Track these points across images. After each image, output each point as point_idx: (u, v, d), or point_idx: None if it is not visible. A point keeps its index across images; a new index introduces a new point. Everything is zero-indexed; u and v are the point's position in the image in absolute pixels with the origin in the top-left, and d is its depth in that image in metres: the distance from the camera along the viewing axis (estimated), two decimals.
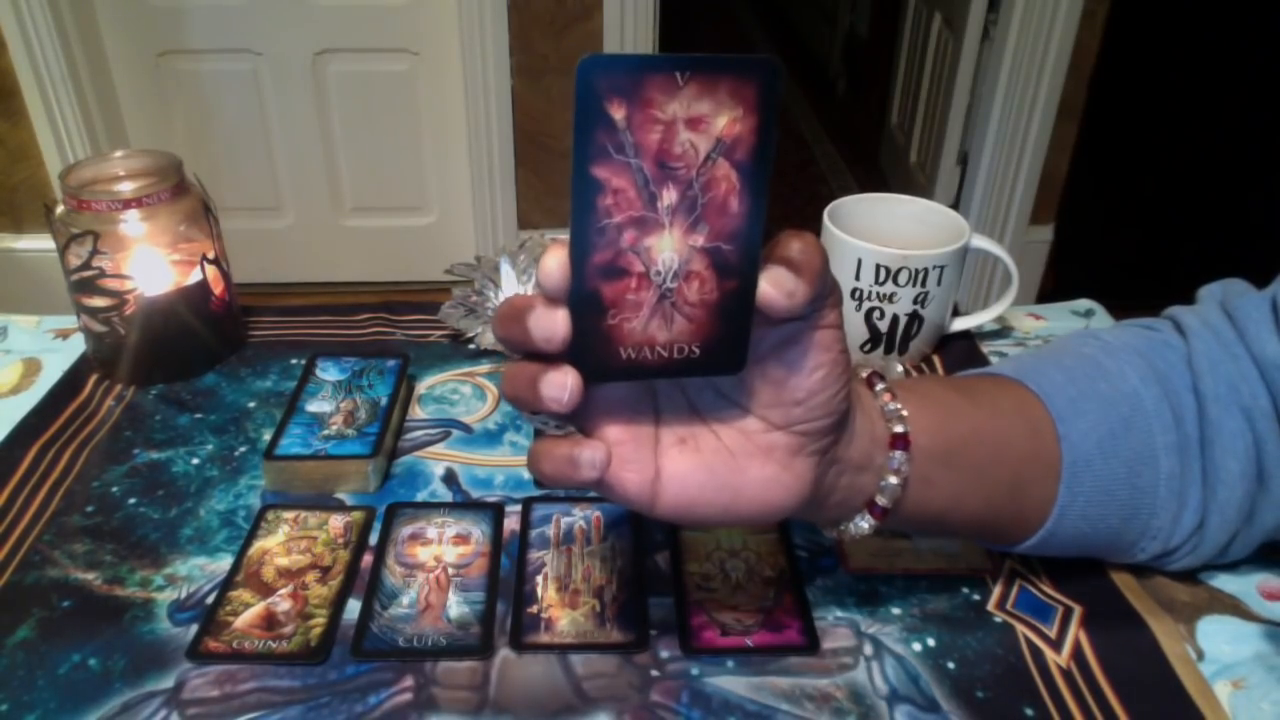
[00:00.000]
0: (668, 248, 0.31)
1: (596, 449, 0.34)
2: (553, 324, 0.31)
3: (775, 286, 0.32)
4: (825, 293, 0.34)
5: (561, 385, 0.32)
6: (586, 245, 0.30)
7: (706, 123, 0.30)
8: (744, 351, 0.34)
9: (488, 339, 0.67)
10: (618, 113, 0.29)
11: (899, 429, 0.39)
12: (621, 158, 0.29)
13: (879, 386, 0.41)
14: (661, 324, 0.32)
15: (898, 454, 0.39)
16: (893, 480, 0.39)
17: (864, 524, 0.40)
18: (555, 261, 0.31)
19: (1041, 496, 0.43)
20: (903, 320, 0.65)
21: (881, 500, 0.39)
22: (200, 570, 0.49)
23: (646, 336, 0.32)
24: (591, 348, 0.32)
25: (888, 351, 0.66)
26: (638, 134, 0.29)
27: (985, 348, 0.69)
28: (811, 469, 0.36)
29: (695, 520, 0.37)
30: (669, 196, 0.30)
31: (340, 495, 0.54)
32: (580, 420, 0.36)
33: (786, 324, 0.34)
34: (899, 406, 0.40)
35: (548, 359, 0.33)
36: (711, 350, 0.33)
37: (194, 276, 0.63)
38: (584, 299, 0.31)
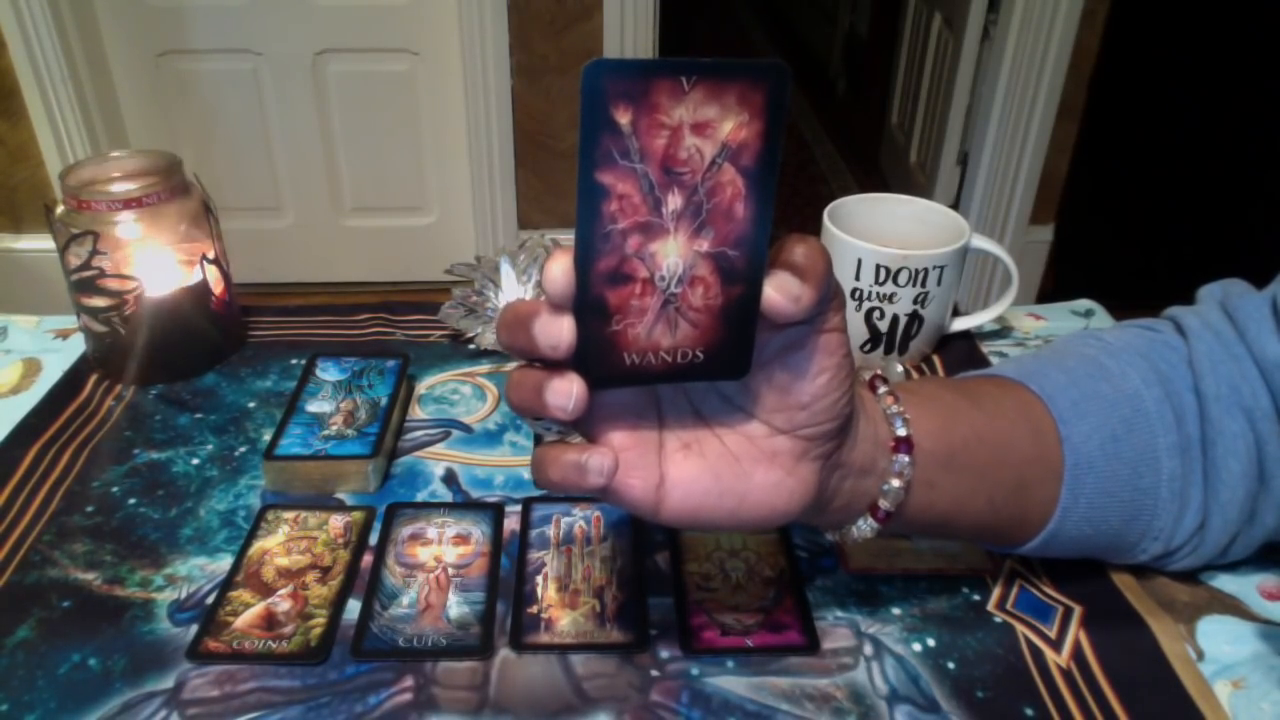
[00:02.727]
0: (672, 253, 0.31)
1: (604, 456, 0.34)
2: (558, 331, 0.31)
3: (780, 292, 0.32)
4: (829, 297, 0.34)
5: (566, 393, 0.32)
6: (591, 251, 0.30)
7: (713, 128, 0.29)
8: (748, 356, 0.33)
9: (488, 339, 0.67)
10: (623, 118, 0.29)
11: (902, 432, 0.39)
12: (627, 163, 0.29)
13: (881, 389, 0.41)
14: (666, 329, 0.32)
15: (901, 457, 0.39)
16: (895, 484, 0.39)
17: (867, 528, 0.40)
18: (560, 268, 0.31)
19: (1044, 498, 0.43)
20: (903, 320, 0.65)
21: (884, 504, 0.39)
22: (200, 570, 0.49)
23: (651, 342, 0.32)
24: (595, 353, 0.32)
25: (888, 352, 0.66)
26: (643, 139, 0.29)
27: (985, 348, 0.69)
28: (816, 474, 0.36)
29: (700, 525, 0.37)
30: (674, 202, 0.30)
31: (340, 495, 0.54)
32: (584, 426, 0.36)
33: (790, 328, 0.34)
34: (901, 409, 0.40)
35: (551, 365, 0.33)
36: (716, 355, 0.33)
37: (194, 276, 0.63)
38: (588, 305, 0.31)
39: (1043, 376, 0.45)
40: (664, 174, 0.30)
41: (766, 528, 0.37)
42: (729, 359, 0.33)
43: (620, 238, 0.30)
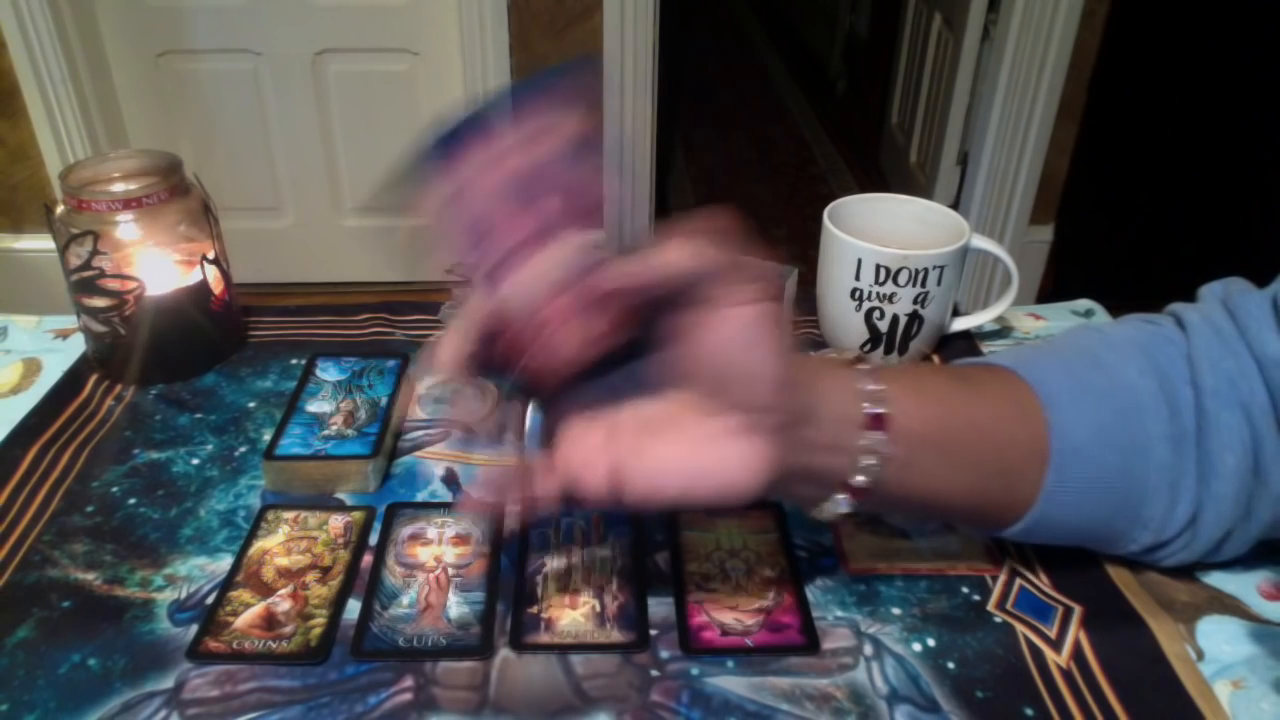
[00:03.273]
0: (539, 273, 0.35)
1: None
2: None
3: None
4: (718, 272, 0.35)
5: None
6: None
7: (547, 135, 0.33)
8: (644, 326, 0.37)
9: None
10: (457, 177, 0.32)
11: (877, 410, 0.40)
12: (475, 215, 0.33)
13: (862, 368, 0.41)
14: (577, 329, 0.35)
15: (875, 435, 0.40)
16: (869, 461, 0.40)
17: (843, 505, 0.41)
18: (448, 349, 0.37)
19: (1029, 482, 0.43)
20: (903, 320, 0.65)
21: (858, 481, 0.40)
22: (200, 570, 0.49)
23: (571, 347, 0.35)
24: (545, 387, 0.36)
25: (888, 351, 0.66)
26: (478, 188, 0.33)
27: (985, 348, 0.69)
28: (770, 447, 0.37)
29: (662, 504, 0.38)
30: (524, 227, 0.34)
31: (340, 495, 0.54)
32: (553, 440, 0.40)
33: (703, 307, 0.36)
34: (880, 388, 0.40)
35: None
36: (623, 332, 0.36)
37: (194, 276, 0.63)
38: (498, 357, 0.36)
39: (1035, 365, 0.45)
40: (512, 207, 0.33)
41: (729, 502, 0.39)
42: (631, 332, 0.36)
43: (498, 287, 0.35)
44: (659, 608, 0.46)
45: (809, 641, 0.44)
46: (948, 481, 0.42)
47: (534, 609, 0.46)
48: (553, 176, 0.33)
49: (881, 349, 0.66)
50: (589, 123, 0.33)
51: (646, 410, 0.38)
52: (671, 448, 0.38)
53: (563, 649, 0.44)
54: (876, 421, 0.40)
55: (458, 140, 0.32)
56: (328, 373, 0.62)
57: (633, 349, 0.36)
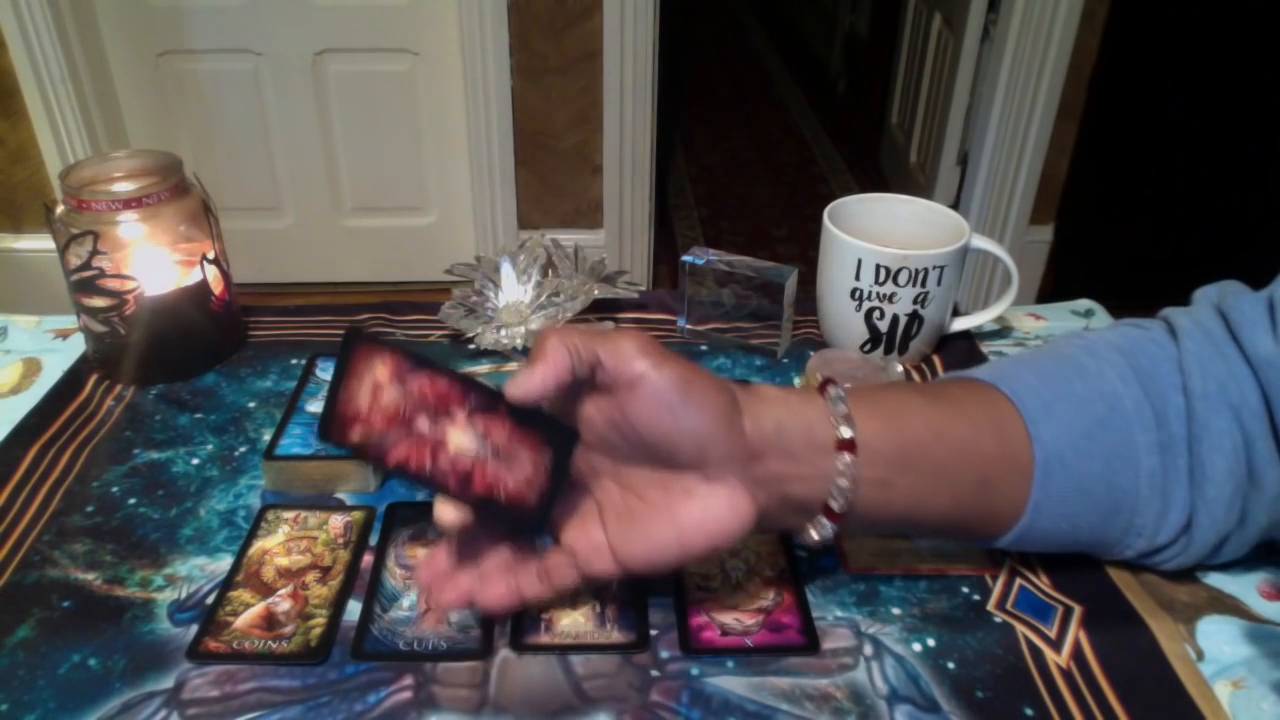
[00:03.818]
0: (458, 438, 0.39)
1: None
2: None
3: (513, 387, 0.38)
4: (588, 366, 0.38)
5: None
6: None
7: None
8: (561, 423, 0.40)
9: (488, 339, 0.67)
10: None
11: (845, 434, 0.40)
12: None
13: (831, 392, 0.42)
14: (507, 472, 0.39)
15: (845, 458, 0.40)
16: (843, 484, 0.40)
17: (827, 529, 0.42)
18: (451, 515, 0.39)
19: (1014, 494, 0.43)
20: (903, 320, 0.65)
21: (835, 505, 0.41)
22: (200, 570, 0.49)
23: (515, 482, 0.39)
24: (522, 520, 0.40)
25: (888, 351, 0.66)
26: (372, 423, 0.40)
27: (985, 348, 0.69)
28: (745, 486, 0.39)
29: (667, 569, 0.41)
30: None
31: (340, 495, 0.54)
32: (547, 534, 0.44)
33: (614, 391, 0.39)
34: (846, 411, 0.41)
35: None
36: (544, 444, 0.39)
37: (194, 276, 0.63)
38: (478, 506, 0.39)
39: (1013, 378, 0.45)
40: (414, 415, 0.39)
41: (727, 547, 0.41)
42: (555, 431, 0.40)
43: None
44: (659, 608, 0.46)
45: (809, 642, 0.44)
46: (929, 498, 0.43)
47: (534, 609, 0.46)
48: (418, 390, 0.39)
49: (881, 349, 0.66)
50: (394, 356, 0.39)
51: (620, 500, 0.41)
52: (652, 521, 0.40)
53: (563, 649, 0.44)
54: (847, 445, 0.40)
55: (328, 420, 0.40)
56: (328, 373, 0.62)
57: (568, 445, 0.39)
